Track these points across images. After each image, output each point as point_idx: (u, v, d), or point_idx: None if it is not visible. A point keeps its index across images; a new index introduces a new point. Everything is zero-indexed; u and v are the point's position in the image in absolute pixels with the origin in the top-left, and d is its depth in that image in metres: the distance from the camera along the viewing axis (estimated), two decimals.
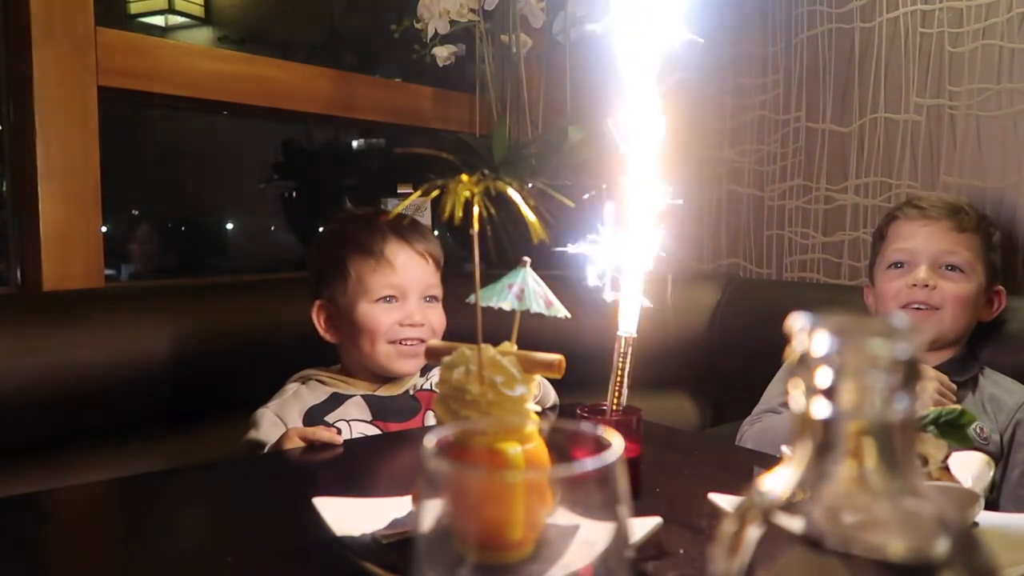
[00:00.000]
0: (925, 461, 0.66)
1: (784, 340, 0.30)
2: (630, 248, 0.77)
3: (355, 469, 0.97)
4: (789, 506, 0.29)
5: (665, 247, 0.77)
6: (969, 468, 0.70)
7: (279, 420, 1.13)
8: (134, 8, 1.83)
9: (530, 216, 0.53)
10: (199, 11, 1.93)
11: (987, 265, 1.31)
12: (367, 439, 1.12)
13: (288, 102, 1.77)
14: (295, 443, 1.03)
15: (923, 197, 1.39)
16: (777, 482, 0.30)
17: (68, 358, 1.18)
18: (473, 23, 1.84)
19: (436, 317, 1.23)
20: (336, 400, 1.17)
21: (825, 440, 0.29)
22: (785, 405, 1.26)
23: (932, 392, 1.12)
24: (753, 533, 0.29)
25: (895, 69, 1.64)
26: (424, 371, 1.25)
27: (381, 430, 1.16)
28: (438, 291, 1.25)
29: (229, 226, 2.11)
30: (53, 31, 1.39)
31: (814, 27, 1.77)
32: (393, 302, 1.20)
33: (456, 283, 1.00)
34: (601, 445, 0.33)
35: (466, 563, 0.32)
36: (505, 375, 0.54)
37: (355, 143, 2.25)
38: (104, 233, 1.48)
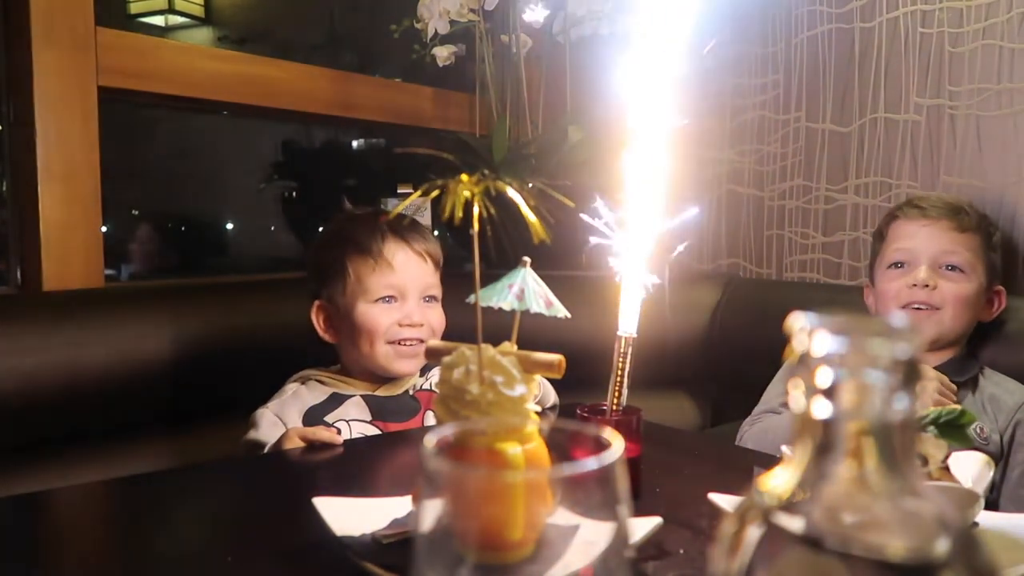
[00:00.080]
0: (925, 461, 0.66)
1: (784, 340, 0.30)
2: (632, 248, 0.77)
3: (355, 469, 0.97)
4: (789, 506, 0.29)
5: (672, 247, 0.77)
6: (969, 468, 0.70)
7: (279, 420, 1.13)
8: (134, 8, 1.83)
9: (530, 216, 0.53)
10: (199, 11, 1.93)
11: (987, 265, 1.31)
12: (367, 439, 1.12)
13: (288, 102, 1.77)
14: (295, 443, 1.03)
15: (923, 197, 1.39)
16: (777, 482, 0.30)
17: (68, 358, 1.18)
18: (473, 23, 1.84)
19: (435, 317, 1.23)
20: (336, 400, 1.17)
21: (825, 440, 0.29)
22: (785, 405, 1.26)
23: (932, 392, 1.11)
24: (753, 533, 0.29)
25: (895, 69, 1.64)
26: (424, 371, 1.25)
27: (381, 430, 1.16)
28: (437, 291, 1.25)
29: (229, 226, 2.11)
30: (53, 31, 1.39)
31: (814, 27, 1.77)
32: (392, 302, 1.20)
33: (456, 283, 0.99)
34: (601, 445, 0.33)
35: (466, 563, 0.32)
36: (505, 375, 0.54)
37: (355, 143, 2.25)
38: (104, 233, 1.48)
